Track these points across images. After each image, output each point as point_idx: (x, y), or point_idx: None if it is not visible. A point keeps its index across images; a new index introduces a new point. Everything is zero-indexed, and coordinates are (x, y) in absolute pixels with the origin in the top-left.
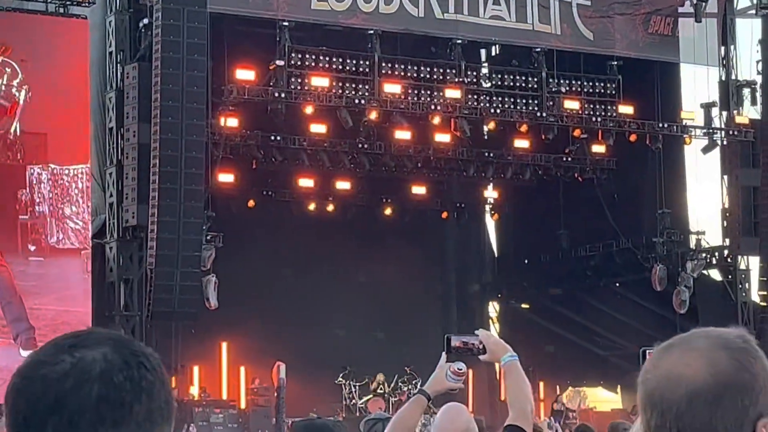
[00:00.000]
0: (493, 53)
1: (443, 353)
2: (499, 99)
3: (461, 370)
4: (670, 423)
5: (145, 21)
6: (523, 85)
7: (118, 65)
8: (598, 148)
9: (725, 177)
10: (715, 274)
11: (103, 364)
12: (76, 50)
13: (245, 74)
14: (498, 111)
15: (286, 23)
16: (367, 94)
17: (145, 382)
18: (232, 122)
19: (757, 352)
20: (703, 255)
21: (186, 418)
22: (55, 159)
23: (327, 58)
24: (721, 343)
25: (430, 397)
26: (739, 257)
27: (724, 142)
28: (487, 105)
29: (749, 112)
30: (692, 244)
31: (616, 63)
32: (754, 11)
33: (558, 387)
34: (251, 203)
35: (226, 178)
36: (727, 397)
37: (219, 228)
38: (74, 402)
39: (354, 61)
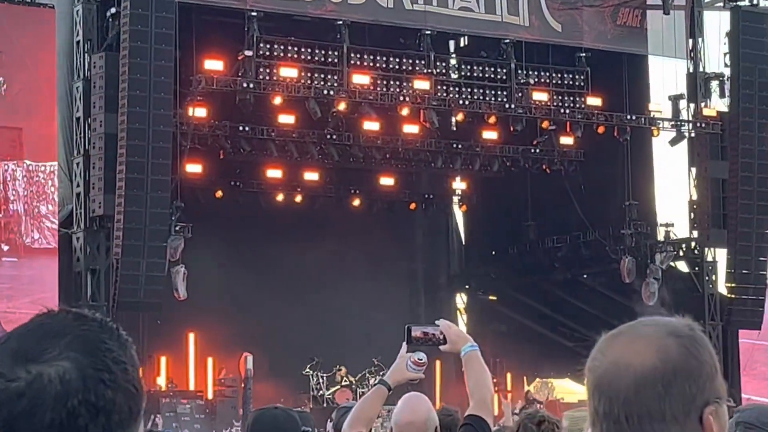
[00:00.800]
0: (462, 44)
1: (404, 343)
2: (468, 90)
3: (422, 360)
4: (618, 409)
5: (113, 10)
6: (492, 76)
7: (86, 54)
8: (567, 140)
9: (693, 169)
10: (682, 266)
11: (59, 386)
12: (45, 40)
13: (213, 64)
14: (466, 102)
15: (254, 13)
16: (335, 84)
17: (102, 402)
18: (201, 112)
19: (704, 340)
20: (671, 247)
21: (152, 409)
22: (31, 155)
23: (295, 49)
24: (670, 330)
25: (390, 387)
26: (706, 249)
27: (692, 135)
28: (456, 96)
29: (717, 105)
30: (660, 236)
31: (584, 55)
32: (721, 4)
33: (525, 378)
34: (219, 194)
35: (194, 168)
36: (675, 384)
37: (187, 218)
38: (25, 427)
39: (323, 52)
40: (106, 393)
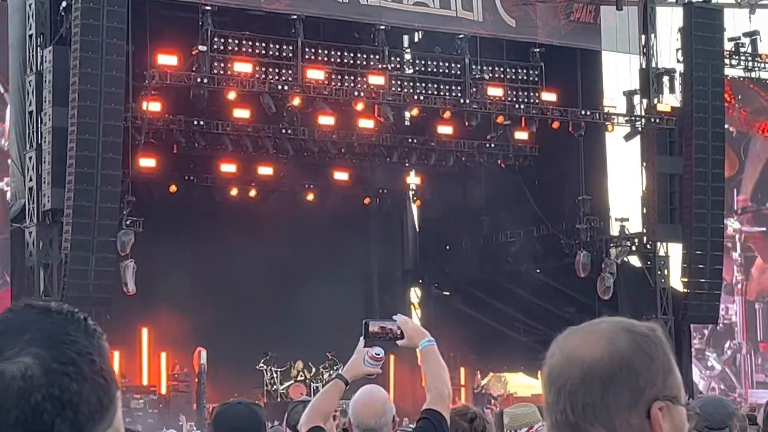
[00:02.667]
0: (416, 40)
1: (361, 338)
2: (423, 85)
3: (379, 355)
4: (564, 399)
5: (65, 4)
6: (447, 71)
7: (38, 48)
8: (521, 135)
9: (644, 164)
10: (635, 261)
11: (21, 382)
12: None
13: (167, 59)
14: (421, 97)
15: (208, 7)
16: (290, 79)
17: (68, 395)
18: (155, 107)
19: (661, 340)
20: (626, 241)
21: None
22: None
23: (250, 44)
24: (625, 327)
25: (347, 382)
26: (659, 244)
27: (645, 130)
28: (411, 91)
29: (670, 100)
30: (615, 231)
31: (538, 50)
32: (674, 0)
33: (479, 373)
34: (173, 188)
35: (147, 162)
36: (620, 376)
37: (140, 213)
38: None
39: (277, 47)
40: (72, 386)
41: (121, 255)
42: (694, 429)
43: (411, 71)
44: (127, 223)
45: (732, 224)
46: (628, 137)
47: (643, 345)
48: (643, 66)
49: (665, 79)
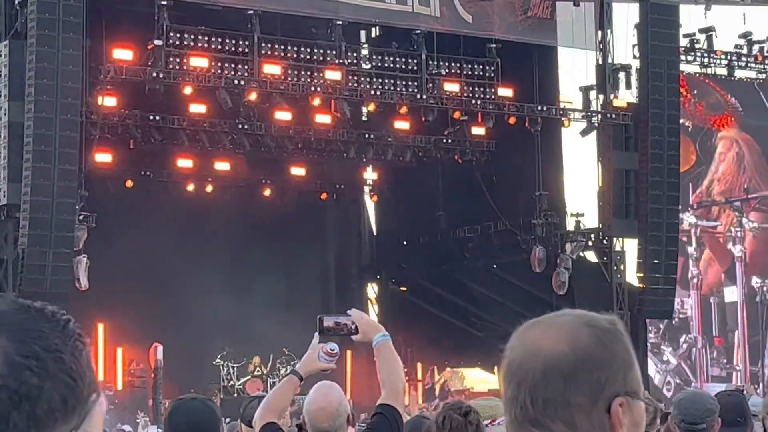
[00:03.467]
0: (373, 35)
1: (316, 334)
2: (379, 81)
3: (334, 350)
4: (524, 393)
5: None
6: (403, 67)
7: None
8: (478, 131)
9: (600, 159)
10: (591, 256)
11: None
12: None
13: (123, 54)
14: (378, 93)
15: (164, 2)
16: (246, 74)
17: (25, 388)
18: (110, 102)
19: (622, 335)
20: (582, 237)
21: None
22: None
23: (206, 38)
24: (586, 321)
25: (302, 377)
26: (615, 239)
27: (601, 125)
28: (367, 86)
29: (627, 96)
30: (571, 226)
31: (495, 46)
32: None
33: (436, 368)
34: (129, 183)
35: (103, 157)
36: (582, 371)
37: (96, 208)
38: None
39: (233, 42)
40: (31, 380)
41: (74, 250)
42: (674, 422)
43: (368, 67)
44: (80, 218)
45: (687, 219)
46: (584, 133)
47: (604, 340)
48: (600, 62)
49: (621, 74)
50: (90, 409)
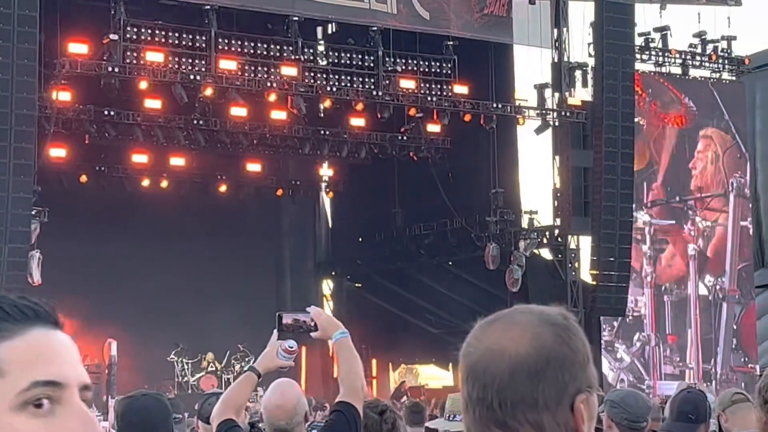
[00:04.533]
0: (330, 31)
1: (275, 330)
2: (336, 77)
3: (292, 348)
4: (492, 395)
5: None
6: (360, 63)
7: None
8: (433, 128)
9: (557, 158)
10: (546, 254)
11: None
12: None
13: (78, 48)
14: (334, 89)
15: None
16: (203, 70)
17: None
18: (65, 96)
19: (577, 329)
20: (535, 234)
21: None
22: None
23: (163, 33)
24: (545, 319)
25: (260, 374)
26: (569, 237)
27: (557, 123)
28: (324, 83)
29: (581, 94)
30: (525, 224)
31: (451, 43)
32: None
33: (391, 365)
34: (84, 178)
35: (57, 152)
36: (549, 371)
37: (50, 203)
38: None
39: (190, 37)
40: None
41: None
42: (613, 421)
43: (324, 63)
44: (33, 213)
45: (642, 217)
46: (538, 131)
47: (565, 338)
48: (555, 60)
49: (577, 73)
50: None
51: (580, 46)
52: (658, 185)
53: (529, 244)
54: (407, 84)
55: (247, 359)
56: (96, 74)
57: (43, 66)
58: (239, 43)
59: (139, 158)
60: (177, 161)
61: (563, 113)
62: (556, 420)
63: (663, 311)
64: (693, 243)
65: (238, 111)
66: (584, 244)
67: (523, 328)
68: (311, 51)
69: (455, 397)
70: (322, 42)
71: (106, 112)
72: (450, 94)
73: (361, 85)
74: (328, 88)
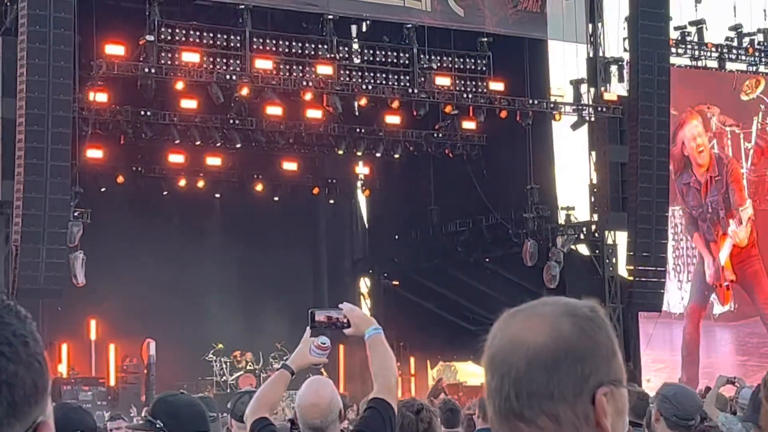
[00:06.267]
0: (364, 29)
1: (308, 328)
2: (371, 75)
3: (325, 344)
4: (508, 386)
5: None
6: (395, 61)
7: None
8: (469, 125)
9: (593, 153)
10: (583, 249)
11: None
12: None
13: (114, 49)
14: (369, 87)
15: None
16: (238, 69)
17: (4, 375)
18: (101, 97)
19: (604, 322)
20: (572, 230)
21: (54, 396)
22: None
23: (198, 33)
24: (567, 310)
25: (293, 371)
26: (606, 232)
27: (593, 119)
28: (359, 81)
29: (617, 89)
30: (561, 220)
31: (486, 40)
32: None
33: (429, 362)
34: (120, 179)
35: (94, 153)
36: (565, 363)
37: (87, 204)
38: None
39: (225, 37)
40: (8, 366)
41: (69, 246)
42: (662, 415)
43: (359, 61)
44: (75, 214)
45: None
46: (575, 126)
47: (587, 330)
48: (590, 55)
49: (613, 68)
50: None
51: (616, 40)
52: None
53: (567, 240)
54: (443, 81)
55: (284, 357)
56: (132, 75)
57: (79, 68)
58: (274, 42)
59: (176, 158)
60: (213, 161)
61: (599, 108)
62: (575, 412)
63: None
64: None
65: (274, 110)
66: (621, 240)
67: (543, 319)
68: (346, 49)
69: None
70: (356, 40)
71: (142, 113)
72: (485, 90)
73: (396, 83)
74: (364, 86)
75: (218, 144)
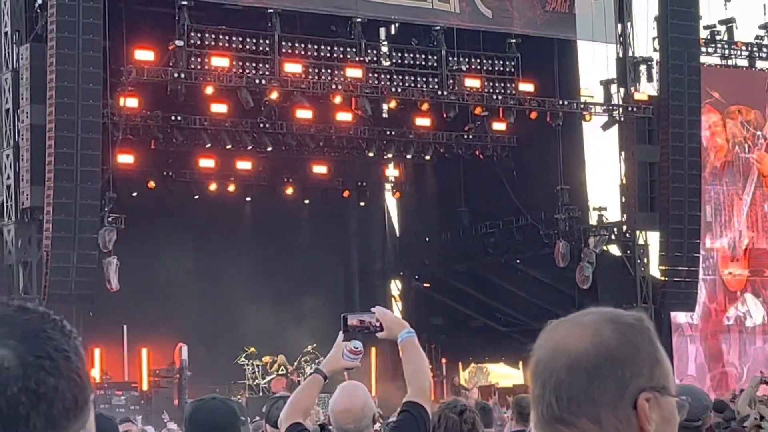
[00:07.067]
0: (393, 32)
1: (340, 332)
2: (400, 78)
3: (357, 348)
4: (549, 392)
5: (40, 1)
6: (423, 63)
7: (14, 46)
8: (499, 126)
9: (623, 153)
10: (614, 250)
11: None
12: None
13: (144, 54)
14: (399, 90)
15: (185, 2)
16: (267, 73)
17: (44, 389)
18: (132, 102)
19: (647, 330)
20: (605, 231)
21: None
22: None
23: (227, 38)
24: (610, 318)
25: (326, 376)
26: (638, 232)
27: (623, 119)
28: (388, 84)
29: (647, 89)
30: (593, 220)
31: (514, 41)
32: None
33: (460, 364)
34: (152, 184)
35: (126, 159)
36: (605, 368)
37: (120, 209)
38: None
39: (254, 41)
40: (48, 380)
41: (103, 252)
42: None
43: (388, 63)
44: (109, 220)
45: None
46: (605, 126)
47: (627, 335)
48: (620, 55)
49: (642, 67)
50: (91, 407)
51: (645, 40)
52: None
53: (599, 241)
54: (472, 83)
55: (317, 361)
56: (162, 80)
57: (109, 73)
58: (303, 45)
59: (206, 162)
60: (244, 165)
61: (629, 108)
62: (617, 416)
63: None
64: None
65: (304, 113)
66: (652, 240)
67: (585, 327)
68: (375, 52)
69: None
70: (385, 43)
71: (173, 118)
72: (515, 92)
73: (425, 85)
74: (393, 89)
75: (249, 148)
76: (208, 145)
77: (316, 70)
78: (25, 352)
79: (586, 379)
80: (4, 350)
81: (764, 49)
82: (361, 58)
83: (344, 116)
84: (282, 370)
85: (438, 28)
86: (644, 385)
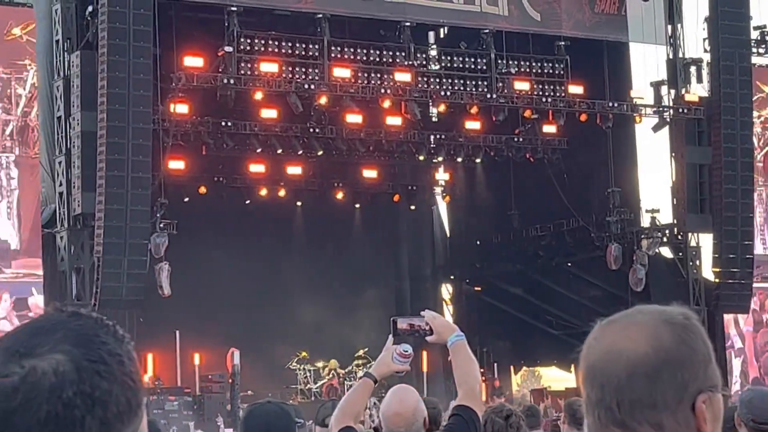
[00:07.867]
0: (441, 35)
1: (390, 336)
2: (449, 81)
3: (407, 352)
4: (610, 396)
5: (91, 8)
6: (472, 66)
7: (65, 53)
8: (549, 129)
9: (673, 155)
10: (666, 252)
11: (53, 378)
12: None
13: (194, 61)
14: (448, 93)
15: (234, 8)
16: (316, 78)
17: (98, 392)
18: (182, 109)
19: (699, 329)
20: (658, 233)
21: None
22: None
23: (276, 43)
24: (664, 318)
25: (377, 380)
26: (690, 234)
27: (673, 120)
28: (437, 87)
29: (698, 90)
30: (645, 223)
31: (563, 43)
32: None
33: (512, 368)
34: (203, 190)
35: (176, 164)
36: (666, 371)
37: (171, 215)
38: (21, 421)
39: (303, 46)
40: (102, 384)
41: (155, 257)
42: (742, 420)
43: (437, 67)
44: (161, 225)
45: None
46: (656, 128)
47: (685, 338)
48: (670, 56)
49: (693, 68)
50: (144, 411)
51: (695, 41)
52: None
53: (652, 243)
54: (521, 86)
55: (369, 365)
56: (212, 86)
57: (160, 80)
58: (352, 50)
59: (257, 168)
60: (294, 170)
61: (680, 110)
62: (677, 420)
63: None
64: None
65: (354, 118)
66: (705, 242)
67: (640, 328)
68: (424, 56)
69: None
70: (434, 46)
71: (223, 124)
72: (565, 94)
73: (474, 89)
74: (442, 93)
75: (299, 153)
76: (259, 151)
77: (365, 75)
78: (80, 356)
79: (646, 383)
80: (59, 355)
81: None
82: (410, 62)
83: (394, 120)
84: (333, 374)
85: (487, 31)
86: (701, 387)
